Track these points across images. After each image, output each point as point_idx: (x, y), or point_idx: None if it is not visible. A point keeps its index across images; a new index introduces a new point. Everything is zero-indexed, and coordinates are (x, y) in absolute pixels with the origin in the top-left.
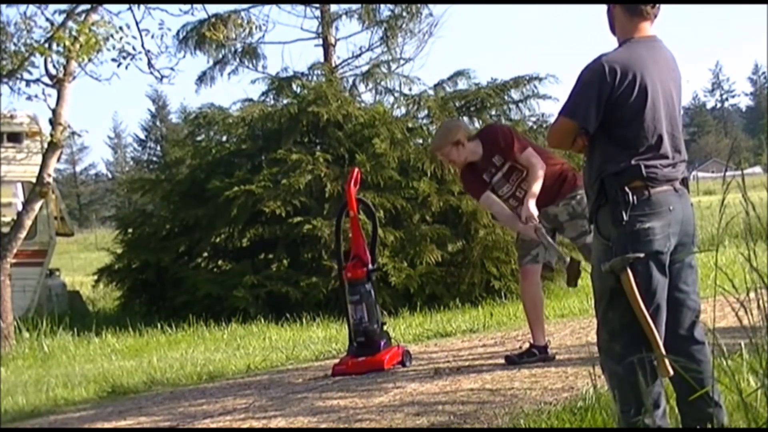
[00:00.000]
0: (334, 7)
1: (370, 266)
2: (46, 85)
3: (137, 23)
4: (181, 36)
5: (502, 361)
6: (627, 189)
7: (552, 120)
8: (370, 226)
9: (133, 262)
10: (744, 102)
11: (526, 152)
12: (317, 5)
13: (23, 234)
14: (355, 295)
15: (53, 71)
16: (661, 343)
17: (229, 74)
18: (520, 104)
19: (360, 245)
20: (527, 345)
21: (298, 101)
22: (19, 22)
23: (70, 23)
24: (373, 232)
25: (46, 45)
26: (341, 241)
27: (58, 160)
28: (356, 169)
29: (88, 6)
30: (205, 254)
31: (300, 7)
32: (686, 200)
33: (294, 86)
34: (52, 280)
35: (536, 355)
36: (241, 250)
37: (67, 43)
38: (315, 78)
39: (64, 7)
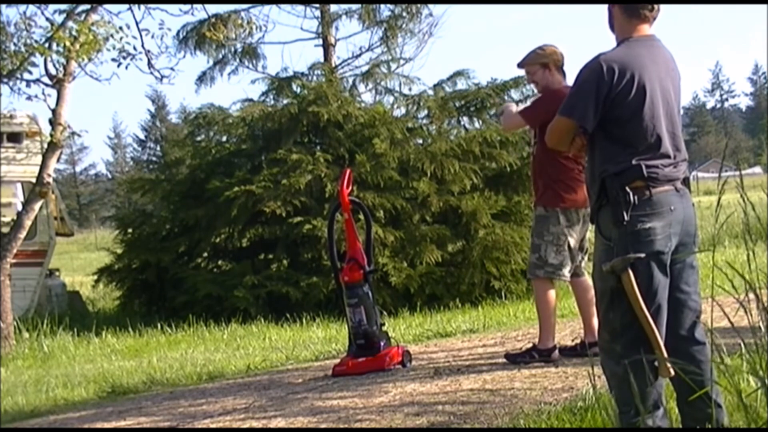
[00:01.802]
0: (334, 7)
1: (367, 268)
2: (46, 85)
3: (137, 23)
4: (181, 36)
5: (502, 361)
6: (628, 189)
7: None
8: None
9: (133, 262)
10: (744, 102)
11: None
12: (317, 5)
13: (23, 234)
14: (353, 298)
15: (53, 71)
16: (661, 344)
17: (229, 74)
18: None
19: (356, 247)
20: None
21: (298, 101)
22: (19, 22)
23: (70, 23)
24: (367, 232)
25: (46, 45)
26: (334, 243)
27: (58, 160)
28: (348, 170)
29: (88, 6)
30: (205, 254)
31: (300, 7)
32: (687, 200)
33: (294, 86)
34: (52, 280)
35: (535, 357)
36: (241, 250)
37: (67, 43)
38: (315, 78)
39: (64, 7)
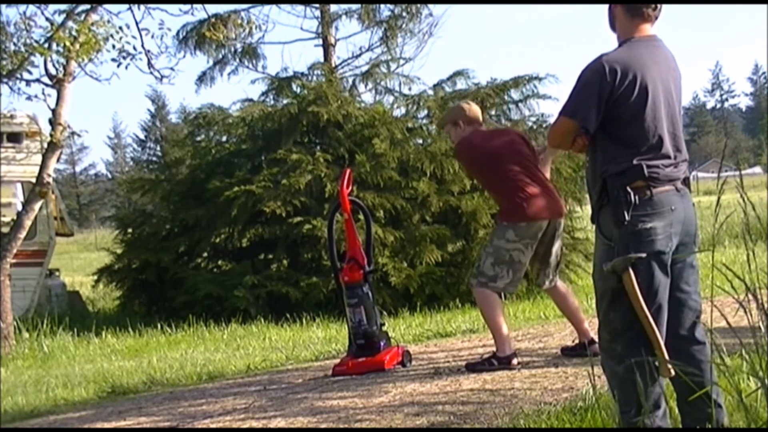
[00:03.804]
0: (334, 7)
1: (366, 268)
2: (46, 85)
3: (137, 23)
4: (181, 36)
5: None
6: (629, 189)
7: (552, 119)
8: (364, 227)
9: (133, 262)
10: (744, 102)
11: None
12: (317, 5)
13: (23, 234)
14: (353, 298)
15: (53, 71)
16: (662, 344)
17: (229, 74)
18: (519, 104)
19: (355, 247)
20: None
21: (298, 101)
22: (19, 22)
23: (70, 23)
24: (367, 232)
25: (46, 45)
26: (334, 243)
27: (58, 160)
28: (348, 170)
29: (88, 6)
30: (205, 254)
31: (300, 7)
32: (688, 200)
33: (294, 86)
34: (51, 280)
35: (495, 365)
36: (241, 250)
37: (67, 43)
38: (315, 78)
39: (64, 7)
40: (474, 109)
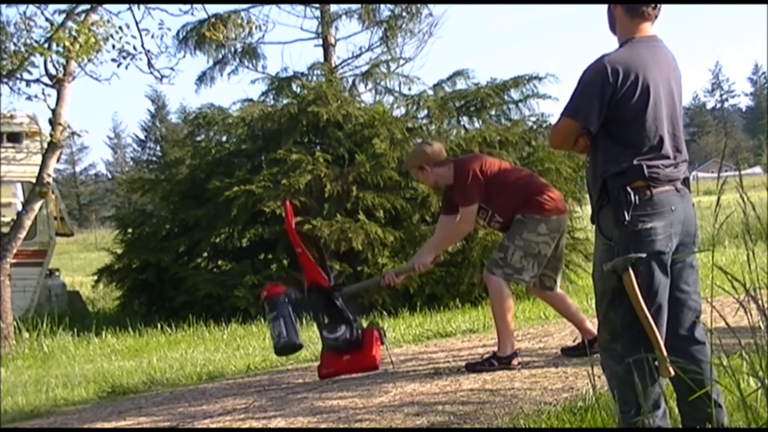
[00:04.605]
0: (334, 7)
1: (332, 282)
2: (46, 85)
3: (137, 23)
4: (181, 36)
5: None
6: (629, 189)
7: (552, 120)
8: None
9: (133, 262)
10: (744, 102)
11: (462, 210)
12: (317, 5)
13: (23, 234)
14: (272, 312)
15: (53, 71)
16: (662, 344)
17: (229, 74)
18: (519, 104)
19: (314, 272)
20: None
21: (298, 101)
22: (19, 22)
23: (69, 23)
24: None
25: (46, 45)
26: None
27: (58, 160)
28: (287, 204)
29: (88, 6)
30: (205, 254)
31: (300, 7)
32: (688, 200)
33: (294, 86)
34: (51, 280)
35: (495, 365)
36: (241, 250)
37: (67, 43)
38: (315, 78)
39: (64, 7)
40: (435, 149)
